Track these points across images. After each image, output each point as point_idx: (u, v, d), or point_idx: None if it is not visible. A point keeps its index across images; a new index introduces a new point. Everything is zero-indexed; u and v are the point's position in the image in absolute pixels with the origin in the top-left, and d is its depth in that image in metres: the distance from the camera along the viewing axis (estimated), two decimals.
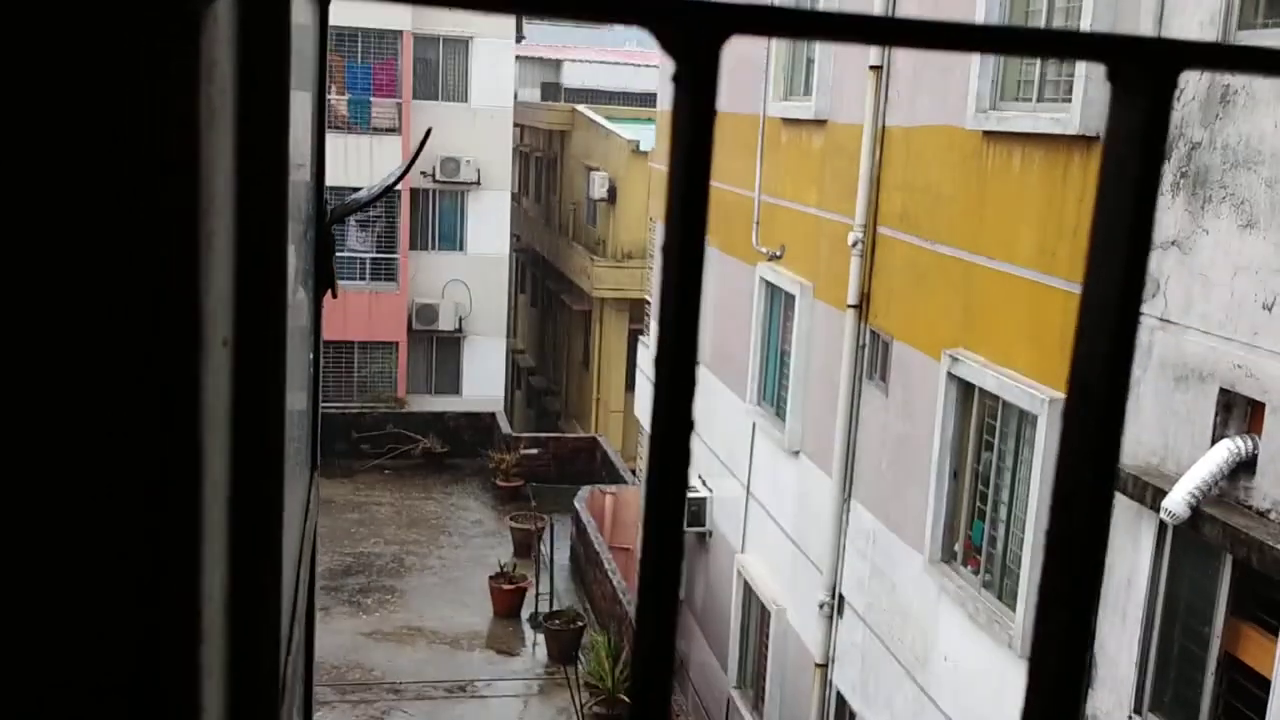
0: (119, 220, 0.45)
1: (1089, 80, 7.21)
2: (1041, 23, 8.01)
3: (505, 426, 24.81)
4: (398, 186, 24.95)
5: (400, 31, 24.94)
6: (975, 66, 8.49)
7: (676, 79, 0.34)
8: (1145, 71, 0.41)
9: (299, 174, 1.41)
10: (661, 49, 0.34)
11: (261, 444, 0.76)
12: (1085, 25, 7.24)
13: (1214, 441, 6.10)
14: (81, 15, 0.43)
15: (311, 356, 1.70)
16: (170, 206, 0.46)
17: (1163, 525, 6.42)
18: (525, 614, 17.56)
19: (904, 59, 9.83)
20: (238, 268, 0.71)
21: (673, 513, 0.38)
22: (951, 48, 0.39)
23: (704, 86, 0.34)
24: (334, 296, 1.71)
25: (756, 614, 12.94)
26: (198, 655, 0.52)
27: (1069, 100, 7.51)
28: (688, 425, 0.38)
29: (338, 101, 24.99)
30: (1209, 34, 6.29)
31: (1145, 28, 6.71)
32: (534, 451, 22.99)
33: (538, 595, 17.36)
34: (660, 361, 0.36)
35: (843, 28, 0.36)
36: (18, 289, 0.46)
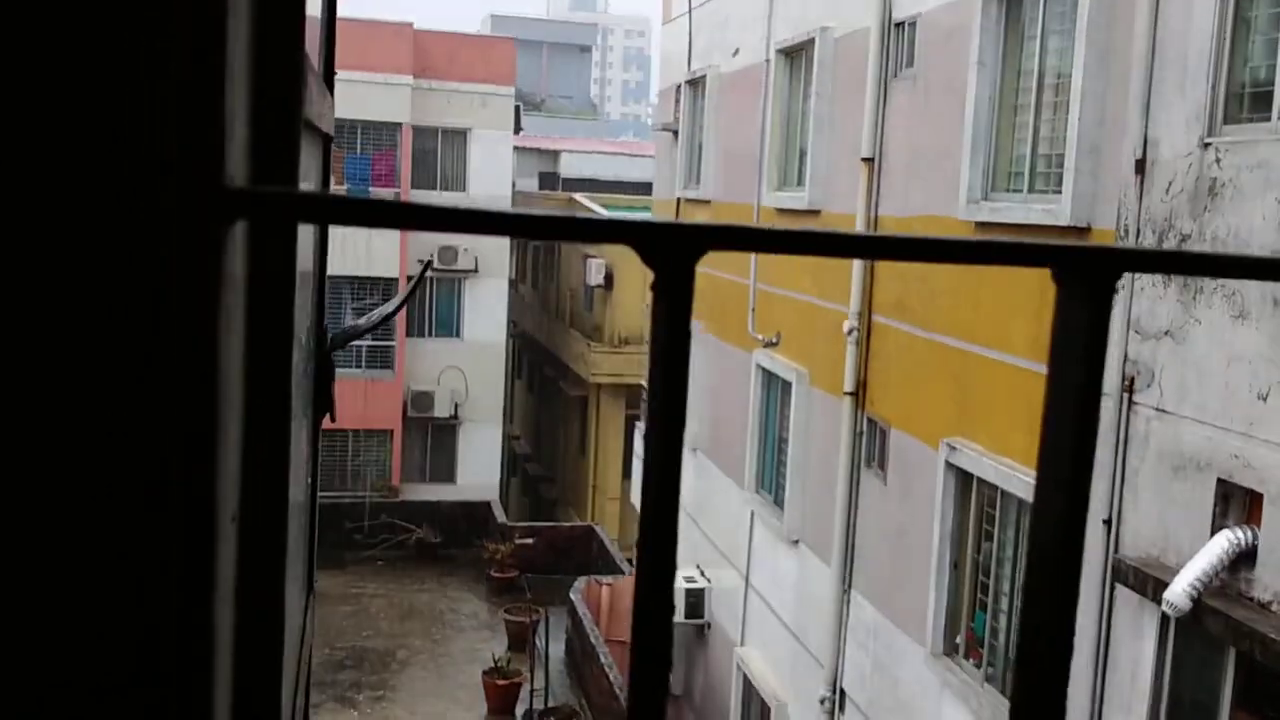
0: (138, 404, 0.49)
1: (1078, 172, 7.32)
2: (1030, 123, 8.16)
3: (500, 516, 24.64)
4: (395, 276, 25.14)
5: (400, 124, 25.35)
6: (966, 157, 8.63)
7: (653, 288, 0.35)
8: (1086, 275, 0.44)
9: (304, 306, 1.45)
10: (644, 262, 0.36)
11: (264, 606, 0.78)
12: (1073, 123, 7.37)
13: (1213, 532, 6.07)
14: (121, 236, 0.48)
15: (309, 481, 1.70)
16: (190, 398, 0.50)
17: (1165, 617, 6.34)
18: (520, 710, 17.24)
19: (896, 151, 9.99)
20: (244, 451, 0.74)
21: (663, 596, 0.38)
22: (906, 258, 0.40)
23: (680, 296, 0.35)
24: (333, 420, 1.72)
25: (757, 710, 12.71)
26: None
27: (1059, 192, 7.62)
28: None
29: (337, 192, 25.27)
30: (1194, 130, 6.39)
31: (1132, 123, 6.82)
32: (529, 541, 22.80)
33: (533, 691, 17.07)
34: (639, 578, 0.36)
35: (803, 243, 0.37)
36: (40, 477, 0.50)
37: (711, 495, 14.37)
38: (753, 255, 12.86)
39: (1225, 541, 5.94)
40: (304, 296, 1.40)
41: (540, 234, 0.37)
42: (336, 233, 24.27)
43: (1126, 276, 7.05)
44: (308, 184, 1.49)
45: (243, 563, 0.77)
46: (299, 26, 0.93)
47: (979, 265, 0.44)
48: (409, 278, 25.84)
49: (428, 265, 3.98)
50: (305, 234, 1.46)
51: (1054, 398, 0.46)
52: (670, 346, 0.35)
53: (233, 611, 0.75)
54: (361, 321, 3.36)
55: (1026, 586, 0.48)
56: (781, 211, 12.29)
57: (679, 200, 15.56)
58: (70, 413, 0.50)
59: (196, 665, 0.53)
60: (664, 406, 0.35)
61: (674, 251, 0.35)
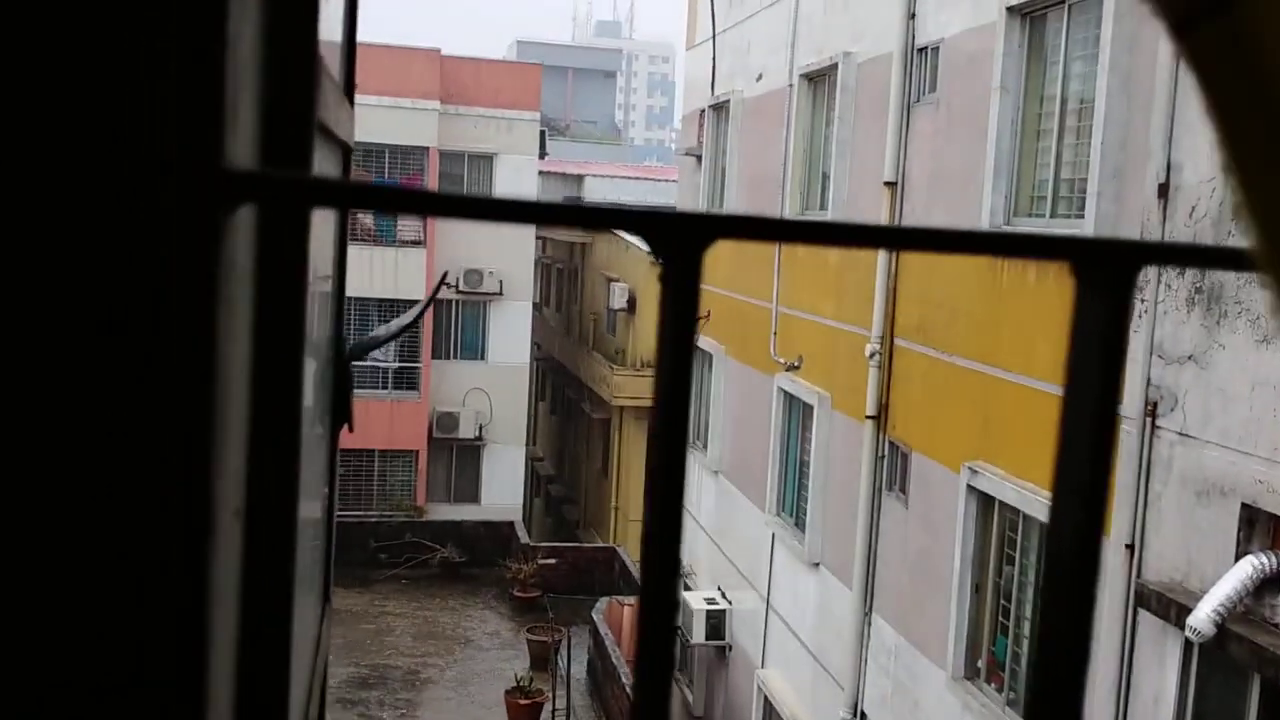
0: (137, 404, 0.49)
1: (1101, 196, 7.34)
2: (1052, 148, 8.19)
3: (523, 536, 24.66)
4: (420, 297, 25.27)
5: (427, 148, 25.57)
6: (989, 181, 8.65)
7: (663, 279, 0.40)
8: (1105, 269, 0.44)
9: (323, 314, 1.48)
10: (651, 252, 0.40)
11: (269, 609, 0.79)
12: (1096, 147, 7.39)
13: (1238, 557, 6.04)
14: (119, 224, 0.48)
15: (326, 491, 1.74)
16: (186, 389, 0.50)
17: (1188, 643, 6.31)
18: None
19: (918, 174, 10.02)
20: (251, 447, 0.76)
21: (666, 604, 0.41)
22: (923, 249, 0.44)
23: (688, 285, 0.39)
24: (350, 431, 1.76)
25: None
26: None
27: (1082, 215, 7.63)
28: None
29: (364, 215, 25.51)
30: (1217, 155, 6.40)
31: (1156, 148, 6.84)
32: (552, 561, 22.81)
33: (554, 711, 17.04)
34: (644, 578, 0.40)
35: (811, 233, 0.41)
36: (33, 469, 0.49)
37: (733, 518, 14.36)
38: (775, 279, 12.89)
39: (1249, 567, 5.91)
40: (321, 302, 1.43)
41: (548, 220, 0.39)
42: (365, 255, 24.47)
43: (1150, 301, 7.06)
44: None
45: (249, 561, 0.77)
46: (312, 28, 0.93)
47: (997, 257, 0.46)
48: (435, 301, 26.00)
49: (444, 278, 4.01)
50: (324, 238, 1.49)
51: (1071, 398, 0.44)
52: (677, 335, 0.39)
53: (237, 610, 0.74)
54: (380, 331, 3.38)
55: (1043, 596, 0.47)
56: None
57: None
58: (63, 401, 0.49)
59: (192, 661, 0.52)
60: (669, 394, 0.39)
61: (683, 240, 0.38)
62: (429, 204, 0.44)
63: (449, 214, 0.43)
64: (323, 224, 1.46)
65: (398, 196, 0.45)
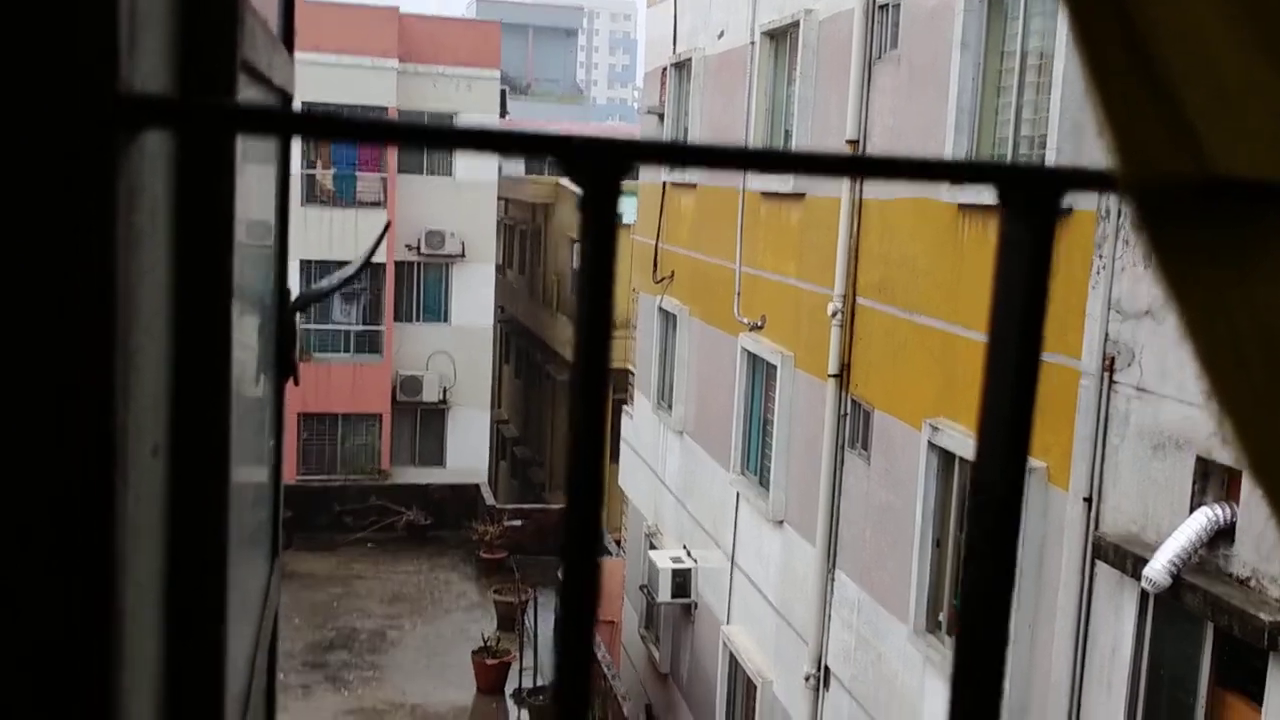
0: (23, 343, 0.48)
1: (1060, 153, 7.37)
2: (1012, 104, 8.20)
3: (489, 498, 24.68)
4: (383, 261, 25.08)
5: (385, 108, 25.27)
6: (950, 138, 8.66)
7: (582, 206, 0.38)
8: (1030, 195, 0.44)
9: (260, 265, 1.45)
10: (568, 176, 0.38)
11: (201, 545, 0.77)
12: (1055, 103, 7.41)
13: (1193, 509, 6.14)
14: (5, 145, 0.46)
15: (273, 444, 1.72)
16: (82, 323, 0.48)
17: (1144, 594, 6.42)
18: (509, 689, 17.32)
19: (880, 133, 10.02)
20: (175, 376, 0.73)
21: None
22: (850, 175, 0.42)
23: (606, 210, 0.38)
24: (295, 384, 1.74)
25: (742, 687, 12.80)
26: None
27: None
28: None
29: (323, 176, 25.22)
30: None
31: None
32: (518, 523, 22.86)
33: (522, 670, 17.15)
34: (569, 475, 0.39)
35: (723, 158, 0.39)
36: None
37: (698, 477, 14.43)
38: (738, 239, 12.89)
39: (1204, 518, 6.01)
40: (259, 250, 1.40)
41: (466, 145, 0.38)
42: (324, 217, 24.22)
43: (1108, 257, 7.11)
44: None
45: (176, 502, 0.76)
46: None
47: (925, 182, 0.45)
48: (397, 263, 25.81)
49: (387, 226, 3.96)
50: (264, 186, 1.45)
51: (997, 325, 0.45)
52: (597, 259, 0.37)
53: (163, 548, 0.73)
54: (324, 283, 3.37)
55: (969, 535, 0.47)
56: (766, 195, 12.31)
57: (665, 184, 15.56)
58: None
59: (101, 593, 0.51)
60: (590, 320, 0.38)
61: (600, 165, 0.37)
62: (348, 130, 0.43)
63: (369, 139, 0.42)
64: (260, 175, 1.43)
65: (315, 122, 0.42)
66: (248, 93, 1.06)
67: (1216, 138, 0.43)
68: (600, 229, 0.37)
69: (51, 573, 0.50)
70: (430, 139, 0.39)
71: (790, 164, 0.42)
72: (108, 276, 0.48)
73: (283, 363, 1.62)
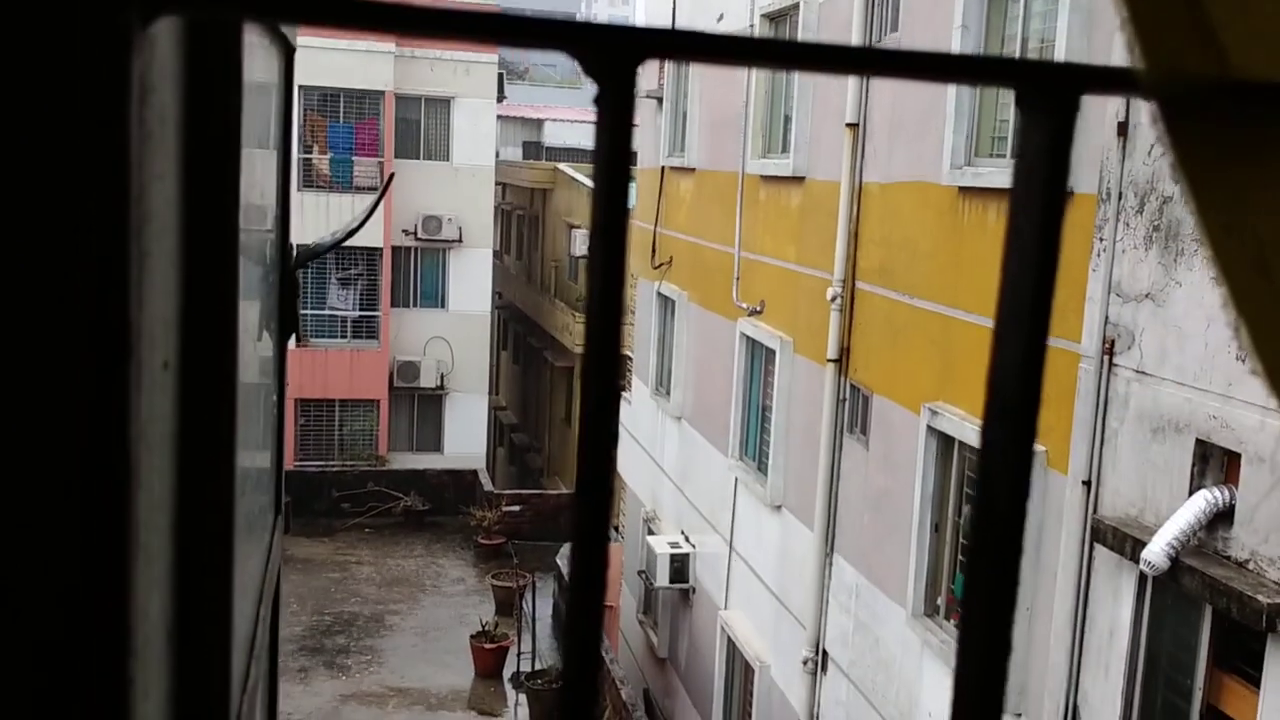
0: (40, 236, 0.46)
1: None
2: (1017, 47, 8.16)
3: (487, 484, 24.69)
4: (380, 246, 25.03)
5: (382, 92, 25.18)
6: (950, 123, 8.63)
7: (597, 100, 0.36)
8: (1050, 93, 0.42)
9: (263, 219, 1.43)
10: (583, 72, 0.36)
11: (211, 459, 0.76)
12: (1060, 48, 7.36)
13: (1191, 492, 6.13)
14: (15, 39, 0.44)
15: (276, 399, 1.70)
16: (94, 224, 0.47)
17: (1143, 577, 6.42)
18: (507, 674, 17.35)
19: (880, 116, 9.98)
20: (184, 291, 0.72)
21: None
22: (858, 71, 0.41)
23: (622, 105, 0.36)
24: (299, 343, 1.72)
25: (740, 671, 12.82)
26: (128, 669, 0.52)
27: None
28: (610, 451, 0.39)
29: (320, 161, 25.14)
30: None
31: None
32: (516, 509, 22.87)
33: (519, 654, 17.18)
34: (585, 375, 0.38)
35: (749, 52, 0.38)
36: None
37: (696, 462, 14.43)
38: (737, 223, 12.85)
39: (1203, 501, 6.00)
40: (263, 211, 1.38)
41: (473, 36, 0.37)
42: (321, 201, 24.14)
43: (1109, 239, 7.09)
44: (268, 84, 1.46)
45: (186, 412, 0.75)
46: None
47: (942, 83, 0.43)
48: (394, 249, 25.76)
49: (390, 177, 3.94)
50: (265, 165, 1.43)
51: (1013, 234, 0.43)
52: (612, 157, 0.36)
53: (173, 456, 0.72)
54: (325, 238, 3.36)
55: (975, 506, 0.45)
56: (766, 179, 12.28)
57: (663, 168, 15.52)
58: None
59: (115, 493, 0.50)
60: (606, 220, 0.36)
61: (615, 57, 0.36)
62: (349, 14, 0.40)
63: (378, 27, 0.38)
64: (263, 159, 1.41)
65: (325, 5, 0.40)
66: (259, 40, 1.04)
67: (1236, 39, 0.42)
68: (616, 122, 0.35)
69: (67, 477, 0.49)
70: (437, 25, 0.37)
71: (803, 56, 0.40)
72: (123, 163, 0.46)
73: (286, 319, 1.60)
